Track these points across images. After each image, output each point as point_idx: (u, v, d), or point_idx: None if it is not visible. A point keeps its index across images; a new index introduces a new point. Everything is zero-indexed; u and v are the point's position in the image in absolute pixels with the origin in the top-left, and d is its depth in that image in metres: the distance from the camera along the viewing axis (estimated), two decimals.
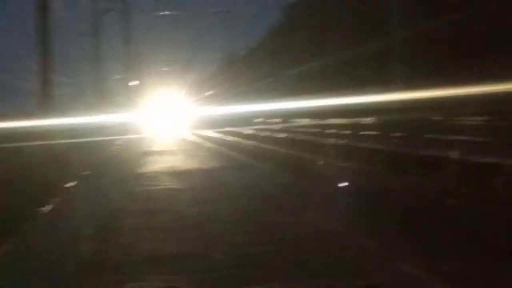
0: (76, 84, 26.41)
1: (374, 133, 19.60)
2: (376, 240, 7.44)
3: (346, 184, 12.45)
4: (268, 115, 33.06)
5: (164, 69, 57.74)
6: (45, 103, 20.80)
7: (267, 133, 32.33)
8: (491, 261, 6.34)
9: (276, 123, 32.97)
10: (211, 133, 45.46)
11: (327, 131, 24.30)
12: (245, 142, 33.39)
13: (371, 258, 6.80)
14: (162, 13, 48.28)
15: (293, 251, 7.31)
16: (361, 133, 20.81)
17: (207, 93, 52.35)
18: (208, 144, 35.03)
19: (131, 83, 54.30)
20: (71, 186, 14.54)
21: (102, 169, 19.37)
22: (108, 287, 5.93)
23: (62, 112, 22.49)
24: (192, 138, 44.65)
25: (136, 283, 6.03)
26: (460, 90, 13.16)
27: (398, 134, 17.86)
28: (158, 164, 20.93)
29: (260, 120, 35.19)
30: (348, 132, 21.73)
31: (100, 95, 33.48)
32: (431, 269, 6.03)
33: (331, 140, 21.81)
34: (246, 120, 37.13)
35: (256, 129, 35.26)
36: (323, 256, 6.94)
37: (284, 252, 7.24)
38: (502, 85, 11.90)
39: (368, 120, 20.41)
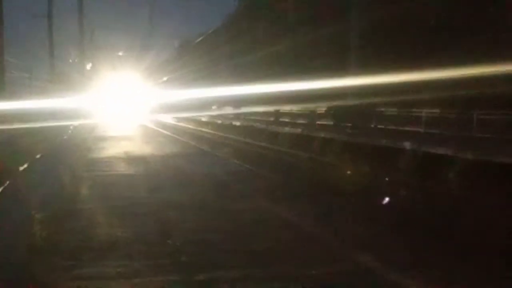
0: (29, 67, 25.90)
1: (325, 122, 19.76)
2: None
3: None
4: (223, 101, 32.99)
5: (120, 53, 57.17)
6: None
7: (222, 120, 32.31)
8: None
9: (231, 110, 32.95)
10: (166, 119, 45.23)
11: (280, 119, 24.43)
12: (200, 129, 33.33)
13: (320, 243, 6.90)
14: None
15: (247, 237, 7.34)
16: (311, 122, 21.01)
17: (163, 78, 52.01)
18: (163, 130, 34.85)
19: (86, 67, 53.61)
20: (23, 170, 14.33)
21: (55, 154, 19.10)
22: (60, 272, 5.86)
23: (14, 96, 22.09)
24: (147, 123, 44.34)
25: (89, 268, 5.98)
26: (415, 76, 13.27)
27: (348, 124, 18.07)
28: (112, 150, 20.74)
29: (215, 107, 35.11)
30: (302, 121, 21.86)
31: (53, 78, 32.90)
32: None
33: (285, 129, 21.92)
34: (201, 106, 36.99)
35: (212, 116, 35.23)
36: (275, 242, 7.00)
37: (237, 238, 7.27)
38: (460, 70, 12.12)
39: (322, 107, 20.53)
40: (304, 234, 7.58)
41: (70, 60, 47.36)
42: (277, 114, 25.53)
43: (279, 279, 5.56)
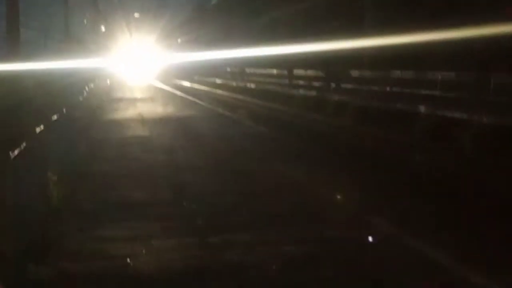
0: (44, 28, 25.83)
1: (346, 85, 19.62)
2: None
3: None
4: (238, 63, 32.85)
5: (136, 15, 56.92)
6: (13, 47, 20.42)
7: (237, 83, 32.21)
8: None
9: (247, 73, 32.81)
10: (182, 82, 45.16)
11: (294, 82, 24.33)
12: (215, 91, 33.27)
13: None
14: None
15: (262, 200, 7.38)
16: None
17: (178, 40, 51.79)
18: (177, 92, 34.84)
19: (100, 29, 53.50)
20: (39, 131, 14.42)
21: (71, 116, 19.19)
22: (76, 233, 5.94)
23: (30, 57, 22.10)
24: (161, 85, 44.33)
25: (105, 230, 6.05)
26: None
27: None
28: (126, 111, 20.82)
29: (229, 70, 34.98)
30: (317, 84, 21.73)
31: (68, 40, 32.89)
32: None
33: (300, 92, 21.83)
34: (216, 68, 36.90)
35: (226, 78, 35.12)
36: (291, 206, 7.04)
37: (252, 201, 7.31)
38: None
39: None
40: (318, 196, 7.60)
41: (85, 21, 47.18)
42: (291, 76, 25.38)
43: (294, 242, 5.59)
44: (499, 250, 5.32)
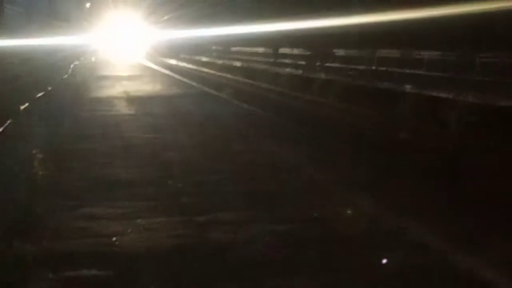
0: (27, 3, 25.55)
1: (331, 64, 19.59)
2: None
3: None
4: (225, 42, 32.69)
5: None
6: None
7: (223, 61, 32.09)
8: None
9: (233, 52, 32.67)
10: (168, 60, 44.95)
11: (280, 60, 24.29)
12: (201, 69, 33.17)
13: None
14: None
15: (249, 179, 7.40)
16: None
17: (164, 17, 51.41)
18: (163, 70, 34.71)
19: (86, 5, 53.00)
20: (23, 108, 14.32)
21: (56, 93, 19.07)
22: (61, 212, 5.92)
23: (13, 32, 21.85)
24: (147, 63, 44.12)
25: (91, 208, 6.04)
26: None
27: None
28: (112, 89, 20.72)
29: (215, 47, 34.80)
30: (302, 62, 21.69)
31: (53, 16, 32.54)
32: None
33: (285, 70, 21.79)
34: (202, 46, 36.69)
35: (212, 56, 34.97)
36: (278, 185, 7.06)
37: (240, 180, 7.32)
38: None
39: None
40: (306, 176, 7.64)
41: None
42: (276, 55, 25.36)
43: (281, 221, 5.61)
44: None
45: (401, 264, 4.58)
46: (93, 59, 45.70)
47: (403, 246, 4.93)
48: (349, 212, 5.96)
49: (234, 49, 32.55)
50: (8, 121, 11.70)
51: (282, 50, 24.63)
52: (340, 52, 19.12)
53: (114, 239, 5.11)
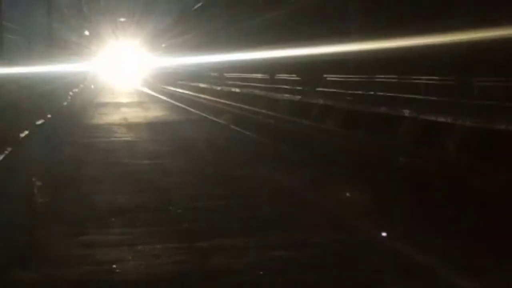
0: (27, 31, 25.69)
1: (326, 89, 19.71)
2: None
3: None
4: (223, 68, 32.87)
5: (121, 19, 56.77)
6: None
7: (222, 87, 32.23)
8: None
9: (231, 78, 32.83)
10: (165, 85, 45.13)
11: (278, 86, 24.46)
12: (199, 95, 33.30)
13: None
14: None
15: (248, 204, 7.40)
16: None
17: (163, 45, 51.72)
18: (162, 97, 34.83)
19: (84, 33, 53.31)
20: (24, 136, 14.36)
21: (56, 120, 19.13)
22: (62, 239, 5.92)
23: (12, 61, 21.97)
24: (146, 90, 44.29)
25: (91, 236, 6.04)
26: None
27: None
28: (112, 116, 20.79)
29: (215, 74, 34.98)
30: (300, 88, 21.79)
31: (52, 44, 32.73)
32: None
33: (284, 96, 21.88)
34: (201, 73, 36.86)
35: (210, 82, 35.12)
36: (276, 210, 7.07)
37: (238, 205, 7.33)
38: None
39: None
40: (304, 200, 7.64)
41: (72, 24, 46.84)
42: (273, 81, 25.65)
43: (281, 247, 5.61)
44: None
45: None
46: (92, 86, 45.87)
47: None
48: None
49: (233, 75, 32.72)
50: (8, 149, 11.73)
51: (280, 76, 24.78)
52: (337, 77, 19.24)
53: (114, 266, 5.11)
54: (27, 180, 8.61)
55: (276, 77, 24.94)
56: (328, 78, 19.61)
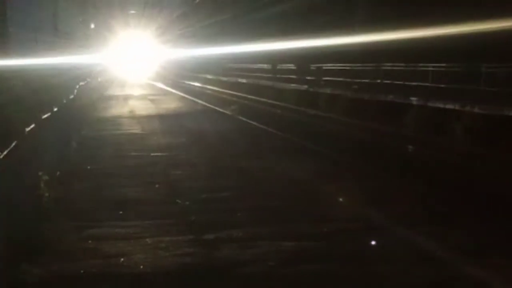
0: (33, 24, 25.57)
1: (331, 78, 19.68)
2: None
3: None
4: (230, 59, 32.88)
5: (132, 11, 56.62)
6: (1, 42, 20.24)
7: (228, 78, 32.20)
8: None
9: (238, 68, 32.82)
10: (173, 77, 45.10)
11: (282, 76, 24.48)
12: (206, 86, 33.28)
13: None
14: None
15: (254, 195, 7.37)
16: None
17: (174, 36, 51.59)
18: (170, 89, 34.81)
19: (91, 25, 53.23)
20: (31, 129, 14.34)
21: (62, 113, 19.11)
22: (70, 231, 5.89)
23: (19, 53, 21.94)
24: (153, 82, 44.26)
25: (100, 228, 6.02)
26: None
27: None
28: (118, 108, 20.77)
29: (220, 65, 34.99)
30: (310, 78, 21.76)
31: (58, 37, 32.63)
32: None
33: (291, 86, 21.87)
34: (212, 64, 36.82)
35: (216, 73, 35.10)
36: (282, 200, 7.04)
37: (245, 196, 7.30)
38: None
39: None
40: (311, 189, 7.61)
41: (80, 19, 46.68)
42: (275, 71, 25.74)
43: (288, 238, 5.58)
44: None
45: None
46: (99, 79, 45.82)
47: None
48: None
49: (237, 65, 32.72)
50: (14, 143, 11.71)
51: (286, 66, 24.77)
52: (345, 66, 19.23)
53: (122, 259, 5.09)
54: (33, 174, 8.57)
55: (285, 68, 25.01)
56: (334, 68, 19.63)
